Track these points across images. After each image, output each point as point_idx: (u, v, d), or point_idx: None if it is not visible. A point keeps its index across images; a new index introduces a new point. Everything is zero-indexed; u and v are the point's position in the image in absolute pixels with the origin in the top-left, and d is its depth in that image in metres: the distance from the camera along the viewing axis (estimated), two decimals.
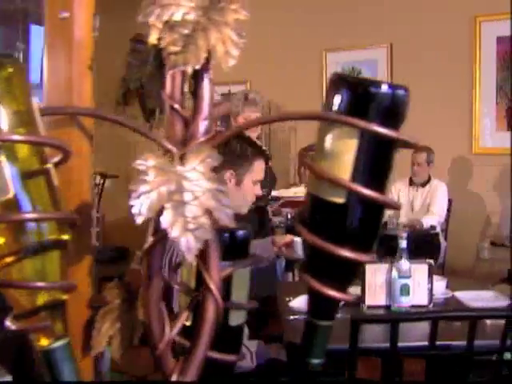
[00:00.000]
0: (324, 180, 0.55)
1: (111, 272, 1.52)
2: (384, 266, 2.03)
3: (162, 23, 0.52)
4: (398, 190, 4.41)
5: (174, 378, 0.58)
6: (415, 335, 1.75)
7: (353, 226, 0.56)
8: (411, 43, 4.84)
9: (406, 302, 1.97)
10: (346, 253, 0.57)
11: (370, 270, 2.02)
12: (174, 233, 0.51)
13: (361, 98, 0.54)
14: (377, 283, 2.02)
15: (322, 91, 5.17)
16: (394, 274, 1.98)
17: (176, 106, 0.56)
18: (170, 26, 0.52)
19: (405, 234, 2.02)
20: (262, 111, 3.34)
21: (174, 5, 0.52)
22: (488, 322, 1.79)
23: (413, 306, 1.98)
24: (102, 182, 5.19)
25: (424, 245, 4.22)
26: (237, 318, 0.71)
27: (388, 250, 4.18)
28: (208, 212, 0.52)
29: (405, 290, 1.97)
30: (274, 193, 3.93)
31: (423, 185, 4.29)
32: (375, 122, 0.54)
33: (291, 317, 1.94)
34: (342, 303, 1.92)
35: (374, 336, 1.80)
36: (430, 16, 4.75)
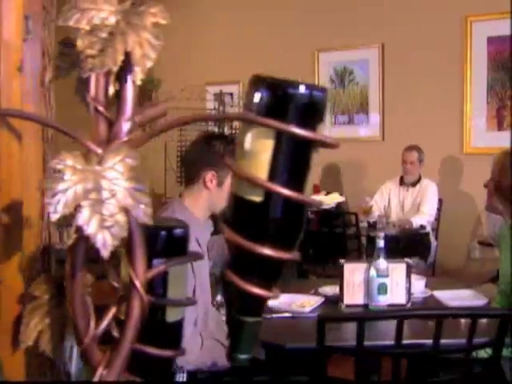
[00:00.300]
0: (243, 179, 0.57)
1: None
2: (362, 266, 2.05)
3: (81, 27, 0.53)
4: (389, 189, 4.42)
5: (99, 370, 0.59)
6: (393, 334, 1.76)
7: (273, 225, 0.58)
8: (403, 43, 4.85)
9: (383, 300, 1.98)
10: (268, 251, 0.58)
11: (348, 269, 2.04)
12: (90, 230, 0.52)
13: (279, 98, 0.56)
14: (355, 282, 2.04)
15: None
16: (372, 273, 2.00)
17: (100, 107, 0.58)
18: (88, 29, 0.53)
19: (382, 234, 2.03)
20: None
21: (94, 9, 0.54)
22: (462, 320, 1.81)
23: (391, 305, 1.99)
24: None
25: (414, 244, 4.24)
26: (174, 315, 0.72)
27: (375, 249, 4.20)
28: (125, 210, 0.54)
29: (382, 289, 1.98)
30: None
31: (413, 184, 4.31)
32: (293, 122, 0.55)
33: (269, 316, 1.96)
34: (319, 302, 1.93)
35: (353, 335, 1.81)
36: (422, 16, 4.77)
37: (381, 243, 2.01)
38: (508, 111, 4.49)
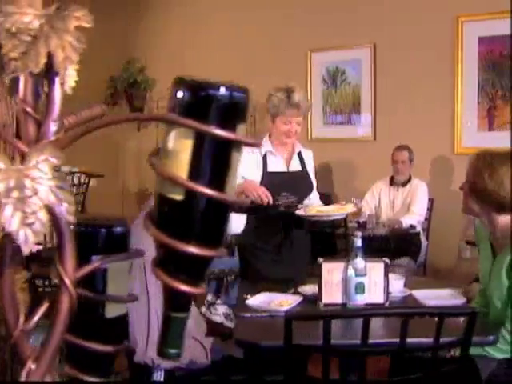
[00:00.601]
0: (165, 178, 0.58)
1: None
2: (340, 265, 2.06)
3: (5, 30, 0.55)
4: (379, 189, 4.44)
5: (28, 364, 0.61)
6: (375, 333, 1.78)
7: (196, 223, 0.59)
8: (394, 43, 4.86)
9: (361, 299, 2.00)
10: (192, 249, 0.60)
11: (326, 268, 2.05)
12: (12, 227, 0.54)
13: (199, 99, 0.57)
14: (333, 281, 2.05)
15: (307, 90, 5.20)
16: (350, 272, 2.01)
17: (28, 108, 0.59)
18: (12, 32, 0.55)
19: (359, 233, 2.04)
20: (306, 114, 2.92)
21: (18, 13, 0.56)
22: (436, 318, 1.82)
23: (369, 304, 2.01)
24: (86, 181, 5.23)
25: (404, 244, 4.26)
26: (114, 311, 0.74)
27: (367, 250, 4.21)
28: (47, 208, 0.55)
29: (360, 288, 1.99)
30: None
31: (404, 184, 4.32)
32: (213, 122, 0.57)
33: (246, 314, 1.97)
34: (297, 301, 1.95)
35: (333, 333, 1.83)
36: (413, 16, 4.78)
37: (358, 242, 2.02)
38: (498, 111, 4.50)
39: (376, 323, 1.80)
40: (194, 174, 0.57)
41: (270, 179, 2.76)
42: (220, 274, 4.14)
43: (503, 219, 2.00)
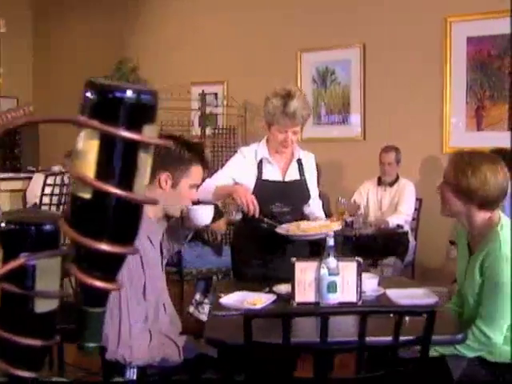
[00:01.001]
0: (75, 178, 0.60)
1: None
2: (313, 264, 2.07)
3: None
4: (367, 189, 4.45)
5: None
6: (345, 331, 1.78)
7: (106, 221, 0.61)
8: (383, 44, 4.88)
9: (333, 298, 2.00)
10: (104, 246, 0.61)
11: (299, 267, 2.06)
12: None
13: (107, 101, 0.59)
14: (306, 281, 2.06)
15: None
16: (323, 271, 2.02)
17: None
18: None
19: (332, 233, 2.05)
20: (303, 123, 2.64)
21: None
22: (407, 318, 1.84)
23: (341, 303, 2.01)
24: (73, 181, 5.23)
25: (391, 244, 4.26)
26: (43, 306, 0.75)
27: (354, 249, 4.23)
28: None
29: (332, 287, 2.00)
30: None
31: (391, 184, 4.33)
32: (120, 124, 0.58)
33: (219, 313, 1.98)
34: (270, 300, 1.96)
35: (305, 332, 1.84)
36: (402, 17, 4.79)
37: (331, 242, 2.03)
38: (486, 111, 4.51)
39: (349, 322, 1.82)
40: (101, 173, 0.59)
41: (263, 187, 2.63)
42: (208, 274, 4.17)
43: (482, 215, 2.02)
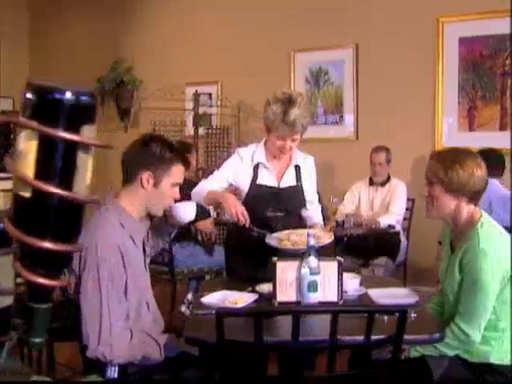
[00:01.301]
0: (16, 177, 0.61)
1: None
2: (294, 264, 2.08)
3: None
4: (359, 189, 4.46)
5: None
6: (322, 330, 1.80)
7: (48, 220, 0.62)
8: (376, 44, 4.89)
9: (314, 298, 2.01)
10: (47, 244, 0.63)
11: (280, 266, 2.07)
12: None
13: (46, 102, 0.60)
14: (287, 280, 2.07)
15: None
16: (303, 271, 2.03)
17: None
18: None
19: (312, 233, 2.06)
20: (303, 132, 2.57)
21: None
22: (385, 317, 1.85)
23: (322, 303, 2.02)
24: None
25: (383, 244, 4.27)
26: None
27: (346, 249, 4.24)
28: None
29: (313, 287, 2.01)
30: None
31: (383, 184, 4.34)
32: (59, 124, 0.60)
33: (200, 312, 1.99)
34: (252, 299, 1.97)
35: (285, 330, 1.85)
36: (395, 17, 4.80)
37: (311, 242, 2.04)
38: (478, 111, 4.52)
39: (326, 320, 1.83)
40: (41, 173, 0.60)
41: (257, 192, 2.62)
42: (200, 273, 4.18)
43: (468, 211, 2.04)
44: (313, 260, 2.04)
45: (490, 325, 1.96)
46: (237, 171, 2.66)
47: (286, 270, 2.08)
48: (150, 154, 1.97)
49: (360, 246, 4.30)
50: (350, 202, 4.45)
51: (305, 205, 2.73)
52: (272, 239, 2.40)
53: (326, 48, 5.07)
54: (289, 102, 2.49)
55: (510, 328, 1.99)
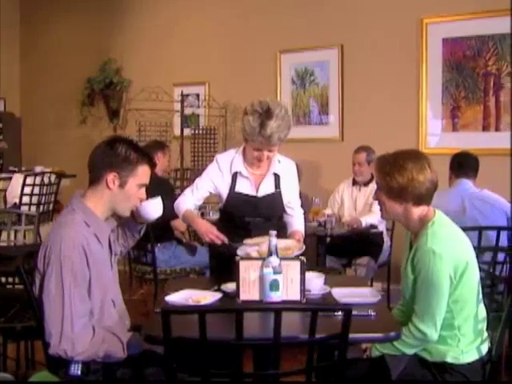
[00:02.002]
0: None
1: None
2: (257, 263, 2.10)
3: None
4: (342, 189, 4.48)
5: None
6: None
7: None
8: (361, 45, 4.91)
9: (276, 297, 2.03)
10: None
11: (243, 266, 2.10)
12: None
13: None
14: (250, 279, 2.10)
15: (277, 91, 5.28)
16: (265, 270, 2.05)
17: None
18: None
19: (274, 232, 2.09)
20: (280, 144, 2.56)
21: None
22: (340, 316, 1.87)
23: (284, 301, 2.04)
24: (56, 181, 5.30)
25: (365, 244, 4.29)
26: None
27: (329, 249, 4.25)
28: None
29: (274, 286, 2.03)
30: None
31: (366, 184, 4.36)
32: None
33: (159, 310, 2.01)
34: (215, 298, 1.99)
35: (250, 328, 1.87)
36: (379, 18, 4.82)
37: (273, 241, 2.07)
38: (462, 112, 4.54)
39: (296, 319, 1.84)
40: None
41: (235, 199, 2.65)
42: (182, 273, 4.20)
43: (419, 212, 2.05)
44: (274, 259, 2.06)
45: (445, 324, 1.97)
46: (215, 180, 2.70)
47: (248, 269, 2.10)
48: (115, 155, 2.00)
49: (343, 246, 4.32)
50: (334, 203, 4.47)
51: (283, 210, 2.74)
52: (241, 251, 2.38)
53: (312, 49, 5.10)
54: (266, 113, 2.45)
55: (472, 327, 2.00)
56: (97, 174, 2.02)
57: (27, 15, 7.17)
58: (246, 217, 2.66)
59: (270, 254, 2.07)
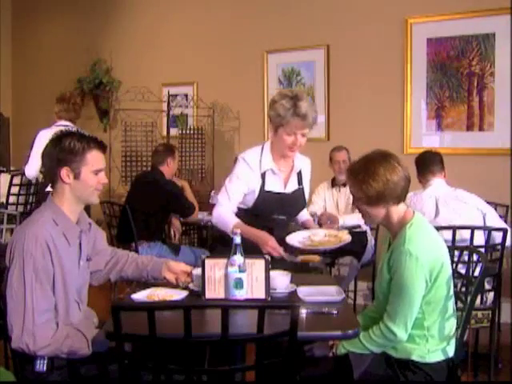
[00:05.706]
0: None
1: None
2: (222, 261, 2.12)
3: None
4: (323, 192, 4.48)
5: None
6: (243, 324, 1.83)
7: None
8: (347, 45, 4.93)
9: (240, 295, 2.05)
10: None
11: (208, 264, 2.12)
12: None
13: None
14: (215, 277, 2.11)
15: (264, 90, 5.30)
16: (230, 268, 2.07)
17: None
18: None
19: (238, 231, 2.11)
20: (312, 126, 2.65)
21: None
22: (304, 313, 1.90)
23: (249, 300, 2.06)
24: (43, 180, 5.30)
25: (350, 243, 4.28)
26: None
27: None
28: None
29: (239, 284, 2.06)
30: None
31: (344, 184, 4.35)
32: None
33: None
34: (181, 296, 2.02)
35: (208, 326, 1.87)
36: (364, 18, 4.84)
37: (237, 239, 2.08)
38: (446, 112, 4.55)
39: (250, 316, 1.85)
40: None
41: (265, 198, 2.69)
42: None
43: (400, 211, 2.07)
44: (239, 258, 2.08)
45: (415, 323, 1.99)
46: (248, 181, 2.71)
47: (214, 268, 2.12)
48: (61, 150, 2.02)
49: None
50: (316, 203, 4.48)
51: (305, 206, 2.82)
52: (293, 239, 2.56)
53: (298, 49, 5.12)
54: (296, 97, 2.55)
55: (442, 328, 2.01)
56: (51, 173, 2.05)
57: (18, 16, 7.20)
58: (273, 215, 2.69)
59: (234, 252, 2.09)
